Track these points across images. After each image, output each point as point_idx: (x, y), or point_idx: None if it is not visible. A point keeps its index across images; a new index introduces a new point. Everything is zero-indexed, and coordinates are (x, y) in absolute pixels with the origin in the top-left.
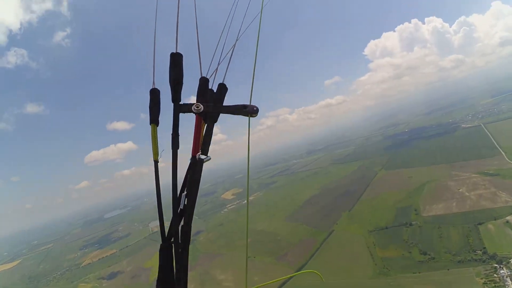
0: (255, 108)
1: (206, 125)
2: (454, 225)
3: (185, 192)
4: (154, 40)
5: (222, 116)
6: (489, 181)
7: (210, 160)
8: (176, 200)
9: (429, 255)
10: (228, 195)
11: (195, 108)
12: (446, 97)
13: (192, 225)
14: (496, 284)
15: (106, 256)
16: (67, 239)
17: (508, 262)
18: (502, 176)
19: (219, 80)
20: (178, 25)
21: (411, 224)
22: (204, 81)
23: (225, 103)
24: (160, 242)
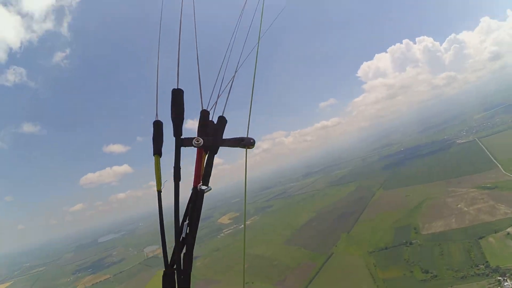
0: (251, 141)
1: (206, 157)
2: (454, 241)
3: (187, 221)
4: (157, 75)
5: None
6: (487, 195)
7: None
8: (178, 229)
9: (431, 273)
10: (224, 220)
11: (195, 142)
12: (439, 114)
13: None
14: None
15: (100, 281)
16: (59, 263)
17: None
18: (500, 189)
19: (220, 109)
20: (179, 61)
21: (411, 243)
22: (205, 114)
23: (227, 122)
24: (163, 268)
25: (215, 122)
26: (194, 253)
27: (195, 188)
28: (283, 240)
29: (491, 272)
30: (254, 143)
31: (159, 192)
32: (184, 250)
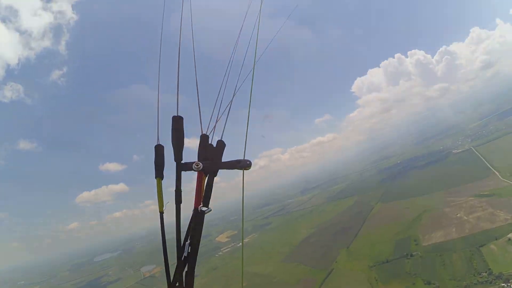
0: (248, 162)
1: (206, 179)
2: (455, 251)
3: (188, 241)
4: (158, 103)
5: None
6: (486, 202)
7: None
8: (180, 248)
9: (434, 284)
10: (222, 238)
11: (195, 166)
12: (434, 125)
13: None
14: None
15: None
16: (54, 282)
17: None
18: (498, 195)
19: (219, 131)
20: (179, 89)
21: (411, 255)
22: (204, 138)
23: (225, 145)
24: (166, 286)
25: (215, 146)
26: None
27: (196, 209)
28: (282, 257)
29: (495, 279)
30: (251, 165)
31: (161, 213)
32: (186, 268)
